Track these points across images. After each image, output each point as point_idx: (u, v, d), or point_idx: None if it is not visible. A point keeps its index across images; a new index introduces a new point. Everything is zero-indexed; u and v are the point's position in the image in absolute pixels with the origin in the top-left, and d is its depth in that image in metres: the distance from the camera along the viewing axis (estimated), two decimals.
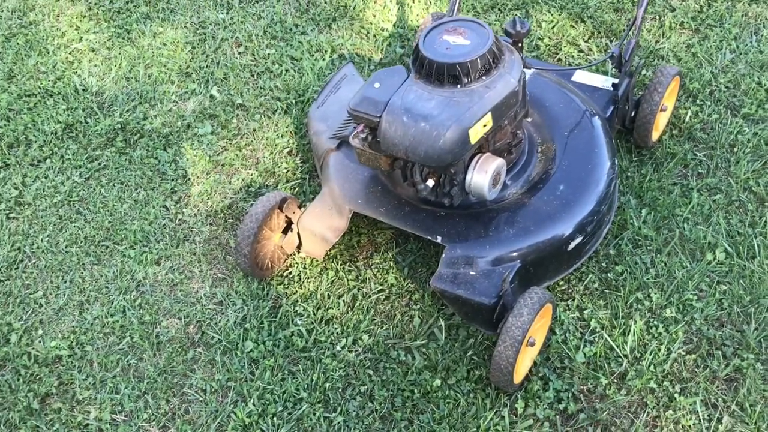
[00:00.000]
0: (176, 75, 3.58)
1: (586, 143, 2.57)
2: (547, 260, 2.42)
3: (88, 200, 3.09)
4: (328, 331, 2.53)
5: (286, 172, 3.08)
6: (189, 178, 3.12)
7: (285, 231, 2.67)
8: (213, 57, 3.64)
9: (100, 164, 3.23)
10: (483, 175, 2.31)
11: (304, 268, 2.72)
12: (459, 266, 2.37)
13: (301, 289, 2.66)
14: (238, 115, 3.35)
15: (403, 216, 2.49)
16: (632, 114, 2.81)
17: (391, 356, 2.44)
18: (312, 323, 2.56)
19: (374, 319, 2.55)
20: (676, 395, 2.23)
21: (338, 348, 2.48)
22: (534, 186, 2.50)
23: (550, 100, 2.71)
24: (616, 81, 2.76)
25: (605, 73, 3.10)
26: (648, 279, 2.50)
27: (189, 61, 3.64)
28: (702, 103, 3.03)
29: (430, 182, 2.37)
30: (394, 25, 3.66)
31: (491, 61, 2.28)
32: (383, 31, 3.63)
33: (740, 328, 2.35)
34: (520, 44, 2.52)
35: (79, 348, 2.60)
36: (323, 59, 3.53)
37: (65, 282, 2.81)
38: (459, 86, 2.27)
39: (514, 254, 2.35)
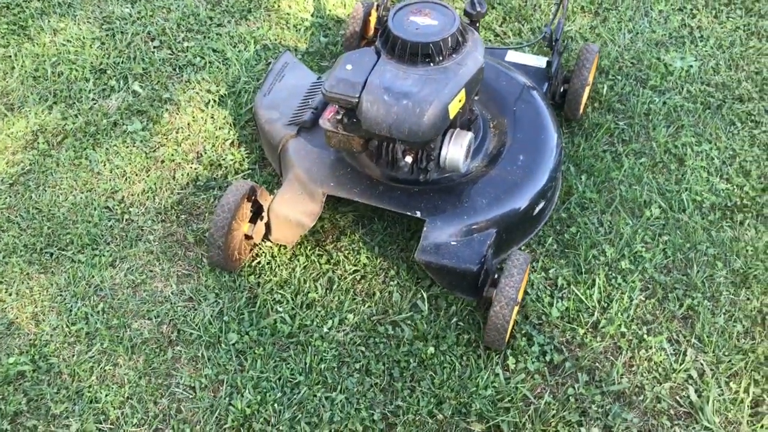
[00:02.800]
0: (90, 72, 3.40)
1: (533, 116, 2.76)
2: (516, 226, 2.59)
3: (18, 207, 2.87)
4: (312, 314, 2.54)
5: (233, 163, 3.03)
6: (129, 177, 2.98)
7: (252, 220, 2.64)
8: (127, 52, 3.49)
9: (22, 169, 3.01)
10: (459, 149, 2.43)
11: (273, 257, 2.71)
12: (441, 238, 2.47)
13: (275, 277, 2.65)
14: (168, 109, 3.24)
15: (378, 195, 2.55)
16: (561, 89, 3.05)
17: (380, 331, 2.50)
18: (293, 309, 2.56)
19: (355, 299, 2.59)
20: (644, 336, 2.47)
21: (325, 330, 2.50)
22: (494, 158, 2.65)
23: (493, 78, 2.87)
24: (548, 59, 2.98)
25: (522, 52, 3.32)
26: (599, 237, 2.74)
27: (101, 57, 3.47)
28: (614, 78, 3.33)
29: (408, 159, 2.45)
30: (312, 15, 3.69)
31: (459, 39, 2.40)
32: (303, 21, 3.65)
33: (685, 272, 2.64)
34: (477, 24, 2.66)
35: (42, 361, 2.43)
36: (248, 50, 3.49)
37: (11, 295, 2.60)
38: (432, 64, 2.37)
39: (490, 222, 2.49)
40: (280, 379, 2.38)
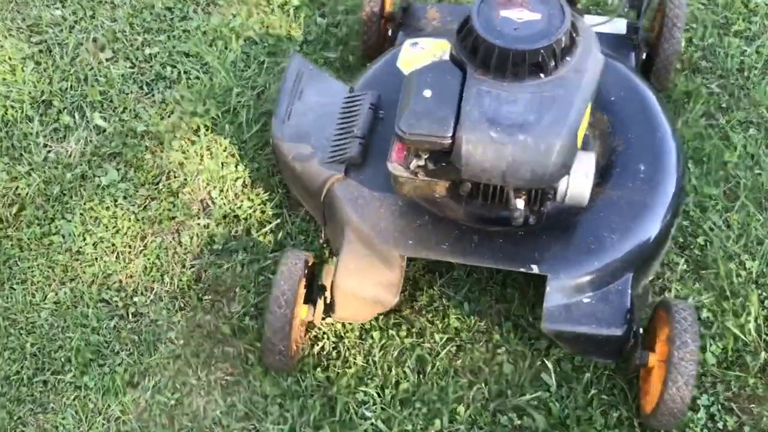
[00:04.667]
0: (32, 107, 2.61)
1: (639, 106, 2.16)
2: (652, 258, 2.03)
3: None
4: (411, 414, 1.96)
5: (253, 212, 2.35)
6: (121, 252, 2.28)
7: (308, 299, 2.00)
8: (73, 72, 2.70)
9: None
10: (584, 180, 1.83)
11: (339, 337, 2.09)
12: (568, 296, 1.89)
13: (349, 366, 2.04)
14: (147, 146, 2.50)
15: (475, 248, 1.94)
16: (643, 56, 2.44)
17: (503, 423, 1.95)
18: (384, 409, 1.97)
19: (458, 381, 2.01)
20: None
21: None
22: (606, 172, 2.05)
23: None
24: (630, 21, 2.35)
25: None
26: (733, 245, 2.21)
27: (41, 83, 2.67)
28: (688, 26, 2.73)
29: (520, 203, 1.83)
30: None
31: (573, 35, 1.75)
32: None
33: None
34: (576, 3, 2.00)
35: None
36: (230, 50, 2.74)
37: None
38: (543, 76, 1.73)
39: (624, 263, 1.92)
40: None
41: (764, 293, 2.13)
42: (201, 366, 2.07)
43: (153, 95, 2.64)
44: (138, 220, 2.34)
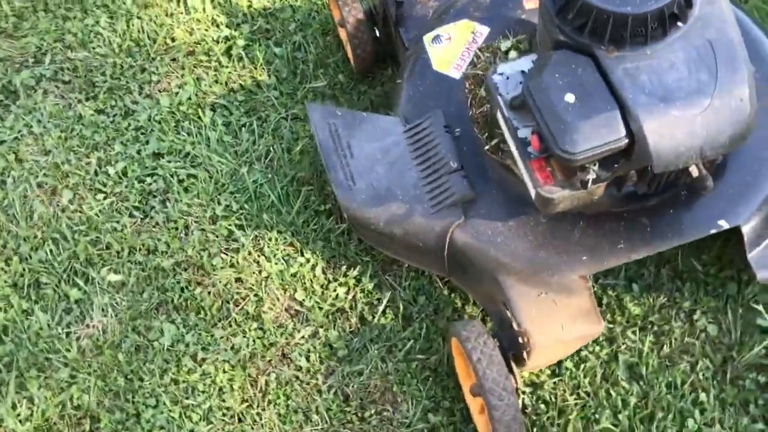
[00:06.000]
0: (21, 295, 2.10)
1: None
2: None
3: None
4: (658, 427, 1.75)
5: (354, 295, 2.01)
6: (242, 413, 1.90)
7: None
8: (41, 235, 2.18)
9: None
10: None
11: (533, 385, 1.83)
12: (764, 237, 1.72)
13: (568, 410, 1.79)
14: (188, 279, 2.08)
15: (652, 234, 1.71)
16: None
17: (749, 388, 1.78)
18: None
19: (678, 368, 1.82)
20: None
21: None
22: None
23: None
24: None
25: None
26: None
27: (8, 268, 2.15)
28: None
29: (694, 169, 1.59)
30: (220, 10, 2.50)
31: None
32: (217, 24, 2.47)
33: None
34: None
35: None
36: (207, 128, 2.30)
37: None
38: (682, 24, 1.47)
39: None
40: None
41: None
42: None
43: (152, 218, 2.19)
44: (236, 366, 1.95)
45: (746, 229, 1.69)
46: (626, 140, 1.44)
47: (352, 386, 1.89)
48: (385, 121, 1.94)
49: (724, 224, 1.68)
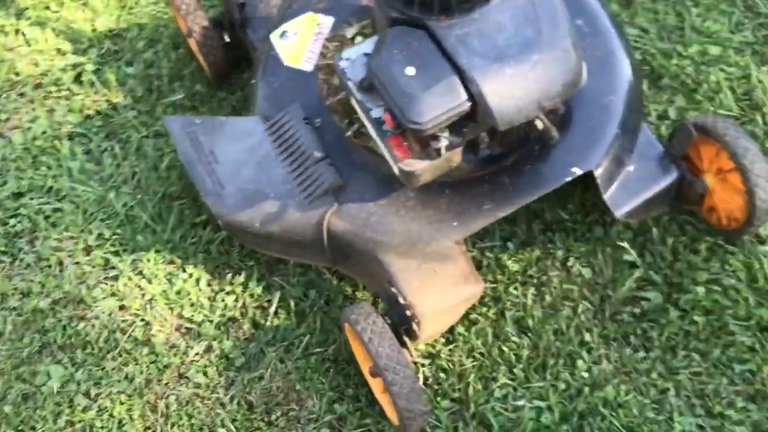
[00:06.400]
0: None
1: None
2: (642, 94, 2.00)
3: None
4: (552, 374, 1.83)
5: (244, 301, 1.99)
6: None
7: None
8: None
9: None
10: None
11: (431, 357, 1.88)
12: (615, 177, 1.82)
13: (465, 376, 1.85)
14: (69, 316, 2.00)
15: (514, 191, 1.78)
16: None
17: (627, 321, 1.88)
18: (528, 387, 1.82)
19: (562, 314, 1.91)
20: None
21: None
22: None
23: None
24: None
25: None
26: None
27: None
28: None
29: (539, 122, 1.67)
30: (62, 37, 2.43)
31: None
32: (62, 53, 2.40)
33: None
34: None
35: None
36: (67, 159, 2.23)
37: None
38: None
39: (633, 113, 1.87)
40: None
41: None
42: None
43: (21, 260, 2.10)
44: (133, 395, 1.89)
45: (598, 173, 1.79)
46: (468, 103, 1.50)
47: (255, 392, 1.88)
48: (245, 122, 1.94)
49: (578, 171, 1.78)
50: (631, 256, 1.93)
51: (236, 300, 1.99)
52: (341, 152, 1.84)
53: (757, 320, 1.83)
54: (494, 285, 1.96)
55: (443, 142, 1.55)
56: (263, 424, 1.84)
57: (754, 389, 1.78)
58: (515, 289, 1.94)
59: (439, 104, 1.48)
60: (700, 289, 1.87)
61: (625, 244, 1.94)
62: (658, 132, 2.09)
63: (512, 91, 1.49)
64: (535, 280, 1.96)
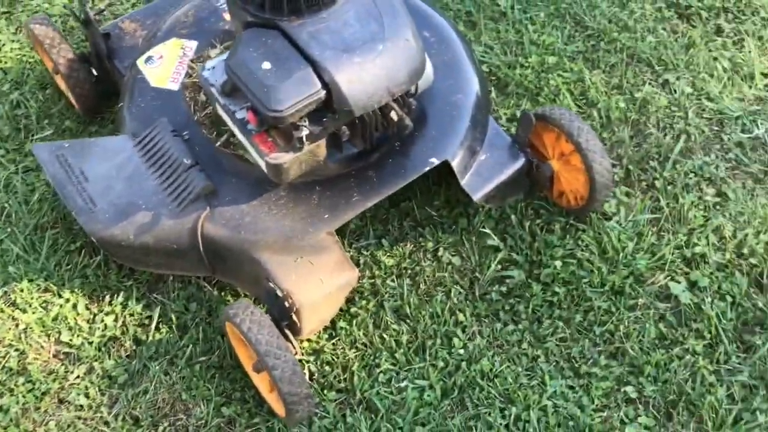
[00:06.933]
0: None
1: None
2: (487, 88, 2.20)
3: None
4: (431, 354, 1.92)
5: (124, 320, 1.98)
6: None
7: None
8: None
9: None
10: (428, 60, 1.87)
11: (316, 353, 1.93)
12: (469, 165, 1.98)
13: (350, 366, 1.91)
14: None
15: (379, 182, 1.90)
16: None
17: (496, 299, 2.01)
18: (409, 369, 1.90)
19: (437, 300, 2.01)
20: None
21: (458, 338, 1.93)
22: None
23: None
24: None
25: None
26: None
27: None
28: None
29: (394, 114, 1.81)
30: None
31: None
32: None
33: None
34: None
35: None
36: None
37: None
38: None
39: (480, 106, 2.05)
40: None
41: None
42: None
43: None
44: (9, 426, 1.82)
45: (454, 163, 1.94)
46: (323, 91, 1.61)
47: (140, 407, 1.85)
48: (113, 140, 1.98)
49: (435, 160, 1.92)
50: (495, 241, 2.08)
51: (116, 320, 1.98)
52: (211, 161, 1.91)
53: (610, 286, 2.01)
54: (372, 280, 2.04)
55: (304, 131, 1.65)
56: None
57: (614, 347, 1.93)
58: (392, 281, 2.04)
59: (296, 92, 1.59)
60: (558, 263, 2.03)
61: (488, 231, 2.08)
62: (510, 132, 2.28)
63: (362, 77, 1.62)
64: (409, 272, 2.06)
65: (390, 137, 1.92)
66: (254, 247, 1.81)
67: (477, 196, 1.95)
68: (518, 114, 2.35)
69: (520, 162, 2.02)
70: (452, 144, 1.96)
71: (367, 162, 1.92)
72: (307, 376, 1.88)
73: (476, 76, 2.08)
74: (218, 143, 1.91)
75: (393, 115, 1.79)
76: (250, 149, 1.75)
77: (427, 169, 1.92)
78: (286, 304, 1.75)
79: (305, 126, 1.65)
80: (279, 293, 1.76)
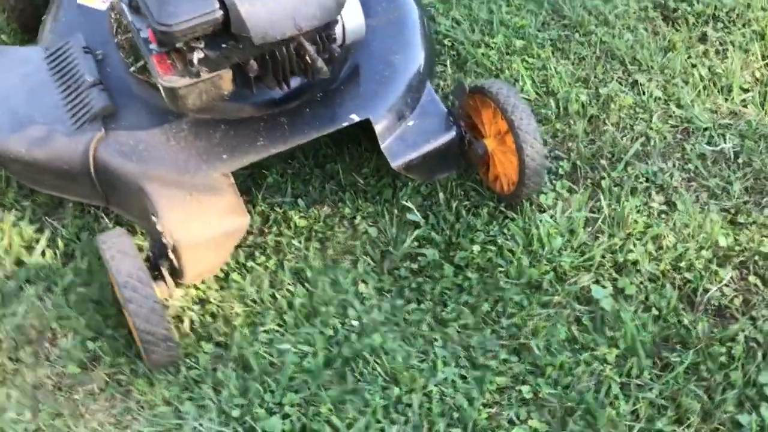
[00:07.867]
0: None
1: None
2: (433, 56, 2.08)
3: None
4: (322, 321, 1.79)
5: (11, 240, 1.88)
6: None
7: (156, 278, 1.68)
8: None
9: None
10: (357, 10, 1.75)
11: (202, 302, 1.81)
12: (394, 129, 1.85)
13: (234, 320, 1.79)
14: None
15: (290, 131, 1.79)
16: None
17: (404, 276, 1.88)
18: (296, 334, 1.77)
19: (342, 267, 1.89)
20: None
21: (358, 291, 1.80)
22: None
23: None
24: None
25: None
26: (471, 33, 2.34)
27: None
28: None
29: (315, 56, 1.69)
30: None
31: None
32: None
33: None
34: None
35: None
36: None
37: None
38: None
39: (421, 74, 1.93)
40: None
41: None
42: (74, 422, 1.64)
43: None
44: None
45: (377, 124, 1.81)
46: (221, 12, 1.50)
47: (4, 329, 1.75)
48: (24, 51, 1.89)
49: (355, 117, 1.80)
50: (416, 216, 1.94)
51: (2, 238, 1.88)
52: (120, 84, 1.81)
53: (527, 279, 1.86)
54: (279, 238, 1.92)
55: (199, 54, 1.54)
56: (8, 361, 1.71)
57: (518, 343, 1.78)
58: (299, 242, 1.91)
59: (190, 9, 1.48)
60: (476, 248, 1.89)
61: (410, 204, 1.95)
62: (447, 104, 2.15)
63: (265, 2, 1.51)
64: (320, 235, 1.94)
65: (313, 87, 1.80)
66: (144, 177, 1.71)
67: (396, 163, 1.82)
68: None
69: (451, 134, 1.88)
70: (379, 104, 1.84)
71: (283, 109, 1.80)
72: (187, 325, 1.77)
73: (421, 41, 1.96)
74: (133, 68, 1.81)
75: (308, 58, 1.67)
76: (151, 71, 1.64)
77: (345, 124, 1.80)
78: (164, 240, 1.64)
79: (200, 48, 1.54)
80: (159, 227, 1.65)
